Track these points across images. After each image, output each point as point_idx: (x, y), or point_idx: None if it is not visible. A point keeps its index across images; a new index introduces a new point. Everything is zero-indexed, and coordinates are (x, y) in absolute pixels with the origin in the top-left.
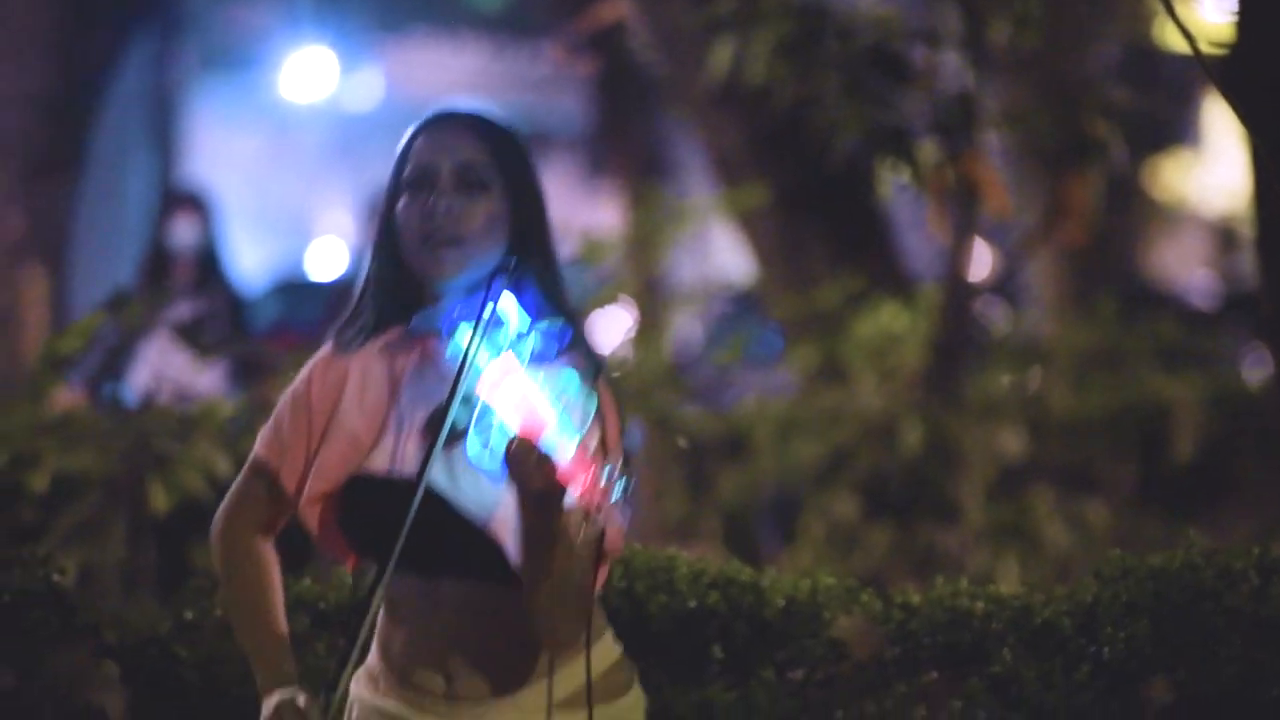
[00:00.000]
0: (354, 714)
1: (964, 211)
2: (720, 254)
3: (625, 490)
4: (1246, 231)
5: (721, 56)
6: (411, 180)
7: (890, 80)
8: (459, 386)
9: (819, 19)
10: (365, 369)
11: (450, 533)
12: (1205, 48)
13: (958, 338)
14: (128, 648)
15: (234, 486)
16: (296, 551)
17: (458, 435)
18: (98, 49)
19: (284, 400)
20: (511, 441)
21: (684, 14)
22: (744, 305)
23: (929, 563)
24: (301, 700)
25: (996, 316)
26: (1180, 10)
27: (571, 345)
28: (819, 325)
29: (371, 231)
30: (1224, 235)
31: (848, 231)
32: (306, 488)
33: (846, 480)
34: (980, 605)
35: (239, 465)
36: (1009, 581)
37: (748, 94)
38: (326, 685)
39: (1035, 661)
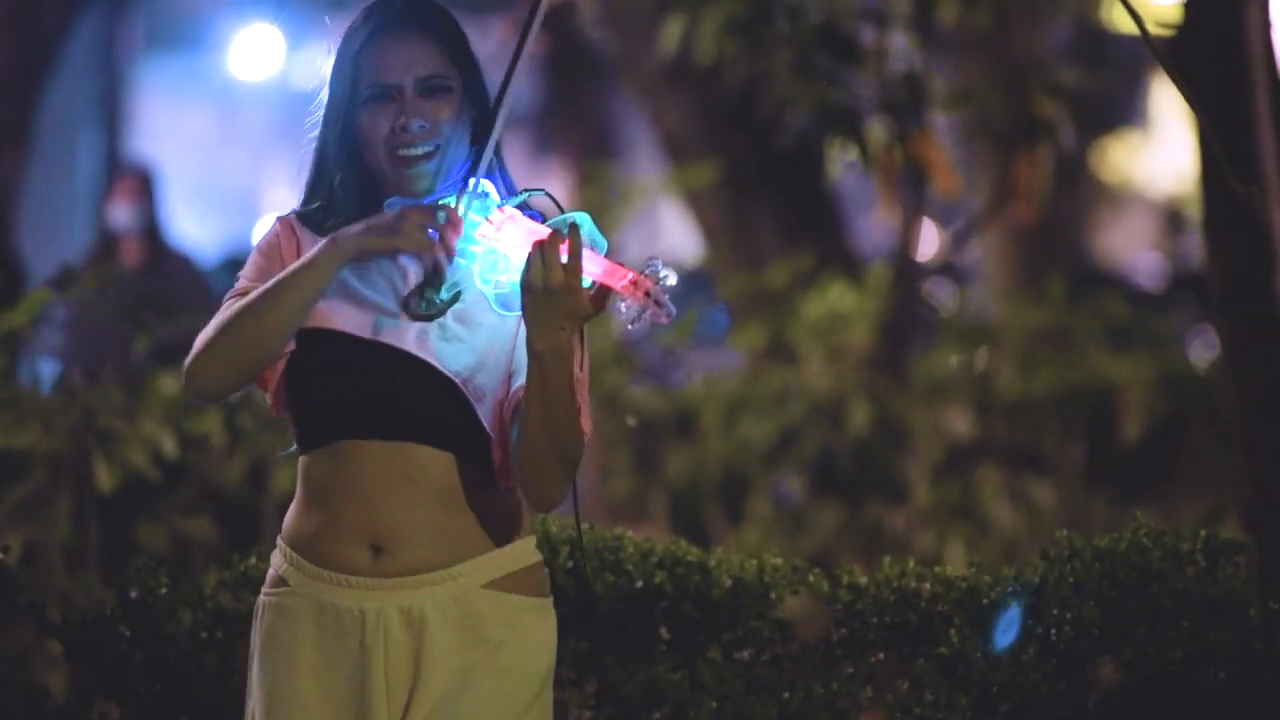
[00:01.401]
0: (263, 618)
1: (913, 191)
2: (668, 233)
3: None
4: (1193, 213)
5: (672, 35)
6: (373, 94)
7: (840, 60)
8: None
9: None
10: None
11: (417, 397)
12: (1153, 28)
13: (906, 318)
14: (72, 626)
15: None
16: (248, 536)
17: (434, 309)
18: (47, 24)
19: (257, 249)
20: (538, 241)
21: None
22: (692, 284)
23: (876, 543)
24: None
25: (944, 296)
26: None
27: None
28: (767, 304)
29: (322, 131)
30: (1170, 216)
31: (796, 211)
32: None
33: (794, 460)
34: (928, 586)
35: (185, 444)
36: (956, 562)
37: (697, 73)
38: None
39: (983, 642)
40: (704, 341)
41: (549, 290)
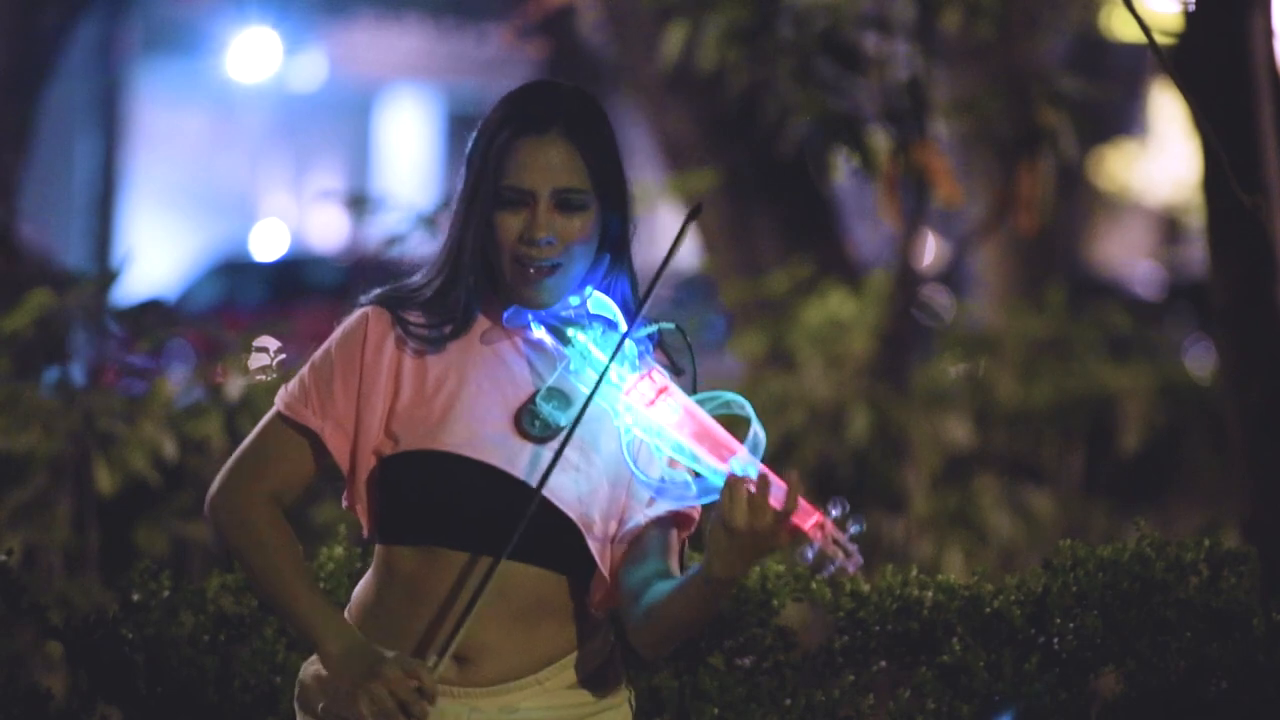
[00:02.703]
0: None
1: (914, 200)
2: (668, 239)
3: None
4: (1190, 222)
5: (674, 41)
6: (507, 196)
7: (842, 67)
8: (593, 392)
9: (771, 5)
10: (443, 358)
11: (519, 517)
12: (1156, 37)
13: (906, 326)
14: (74, 629)
15: (244, 450)
16: None
17: (549, 431)
18: (46, 28)
19: (336, 344)
20: (754, 480)
21: None
22: (690, 290)
23: (874, 551)
24: (403, 662)
25: (943, 305)
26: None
27: (661, 343)
28: (767, 311)
29: (451, 220)
30: (1168, 225)
31: (796, 218)
32: (358, 451)
33: (793, 467)
34: (930, 594)
35: (185, 447)
36: (954, 570)
37: (699, 79)
38: (439, 650)
39: (985, 651)
40: (704, 347)
41: (754, 533)
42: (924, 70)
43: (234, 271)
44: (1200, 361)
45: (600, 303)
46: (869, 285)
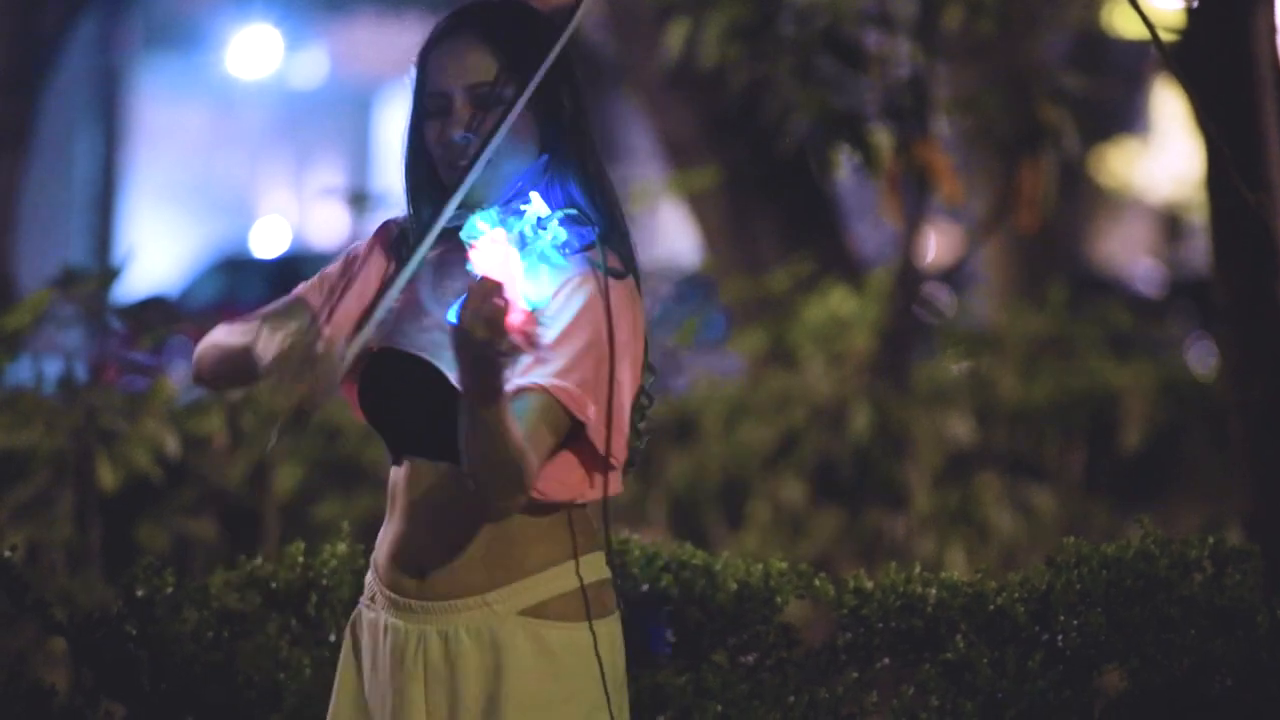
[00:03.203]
0: (358, 628)
1: (915, 197)
2: (668, 237)
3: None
4: (1192, 219)
5: (675, 38)
6: (430, 107)
7: (843, 65)
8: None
9: (772, 2)
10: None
11: (449, 415)
12: (1161, 34)
13: (907, 323)
14: (78, 625)
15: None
16: (249, 536)
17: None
18: (46, 26)
19: (331, 267)
20: (472, 289)
21: None
22: (691, 288)
23: (876, 548)
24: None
25: (943, 302)
26: None
27: (601, 241)
28: (768, 309)
29: (403, 142)
30: (1169, 223)
31: (798, 215)
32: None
33: (794, 465)
34: (933, 592)
35: (187, 444)
36: (956, 568)
37: (700, 77)
38: (348, 337)
39: (989, 649)
40: (705, 345)
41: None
42: (925, 68)
43: (235, 268)
44: (1202, 359)
45: (539, 203)
46: (870, 283)
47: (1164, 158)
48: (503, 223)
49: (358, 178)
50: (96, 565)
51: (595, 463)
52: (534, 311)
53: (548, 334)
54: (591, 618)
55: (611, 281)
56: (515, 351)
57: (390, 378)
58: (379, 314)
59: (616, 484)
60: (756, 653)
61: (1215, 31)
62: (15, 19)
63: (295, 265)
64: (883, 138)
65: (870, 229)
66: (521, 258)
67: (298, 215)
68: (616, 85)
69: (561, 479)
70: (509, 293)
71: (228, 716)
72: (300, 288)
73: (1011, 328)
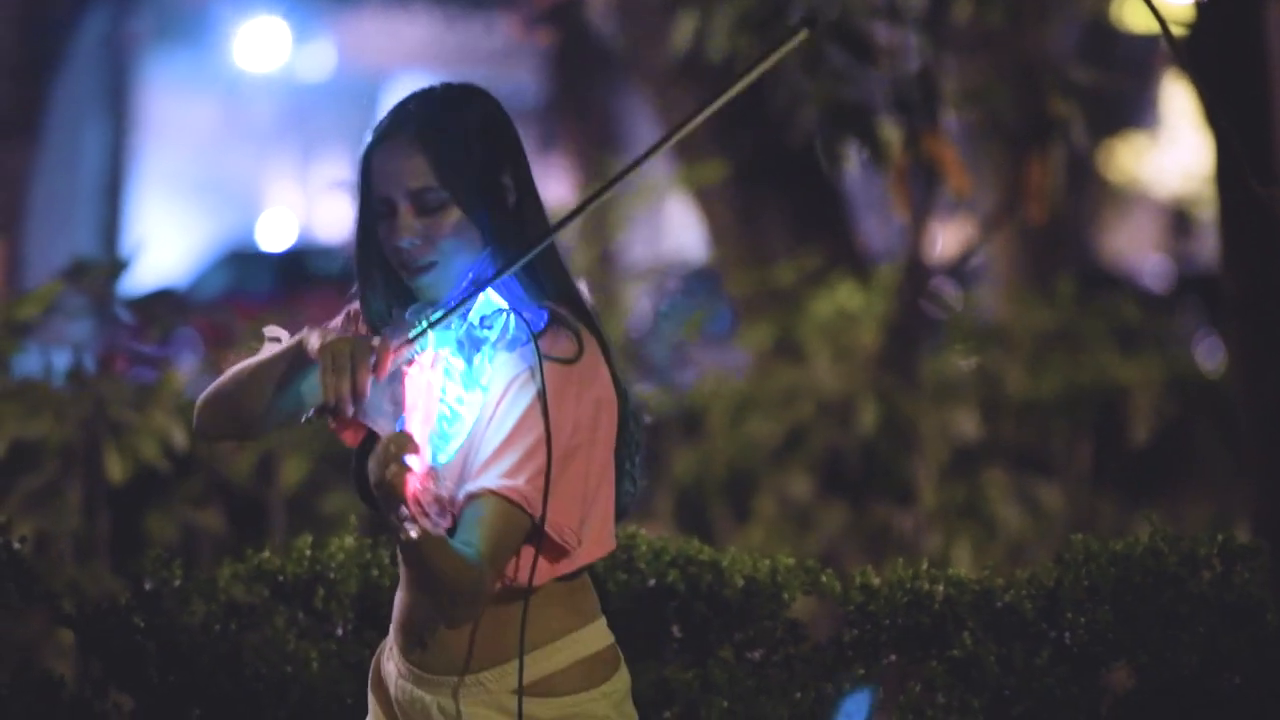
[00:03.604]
0: (381, 663)
1: (923, 190)
2: (675, 230)
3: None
4: (1200, 214)
5: (683, 30)
6: (377, 210)
7: (852, 57)
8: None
9: None
10: None
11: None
12: (1171, 28)
13: (914, 318)
14: (86, 616)
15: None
16: (256, 528)
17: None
18: (55, 18)
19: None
20: (385, 439)
21: None
22: (696, 282)
23: (883, 543)
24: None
25: (950, 296)
26: None
27: (549, 328)
28: (775, 303)
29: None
30: (1177, 217)
31: (805, 209)
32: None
33: (801, 459)
34: (941, 588)
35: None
36: (963, 563)
37: (708, 68)
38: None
39: (996, 645)
40: (711, 340)
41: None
42: (934, 60)
43: (242, 261)
44: (1210, 354)
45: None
46: (877, 277)
47: (1173, 152)
48: (453, 327)
49: None
50: (104, 556)
51: (547, 547)
52: (434, 470)
53: (495, 436)
54: (593, 685)
55: (561, 367)
56: (411, 518)
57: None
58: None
59: (600, 549)
60: (763, 648)
61: (1225, 26)
62: (25, 9)
63: (302, 258)
64: (891, 131)
65: (878, 223)
66: (469, 369)
67: (305, 207)
68: (624, 77)
69: (526, 565)
70: (416, 445)
71: (235, 708)
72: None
73: (1019, 322)
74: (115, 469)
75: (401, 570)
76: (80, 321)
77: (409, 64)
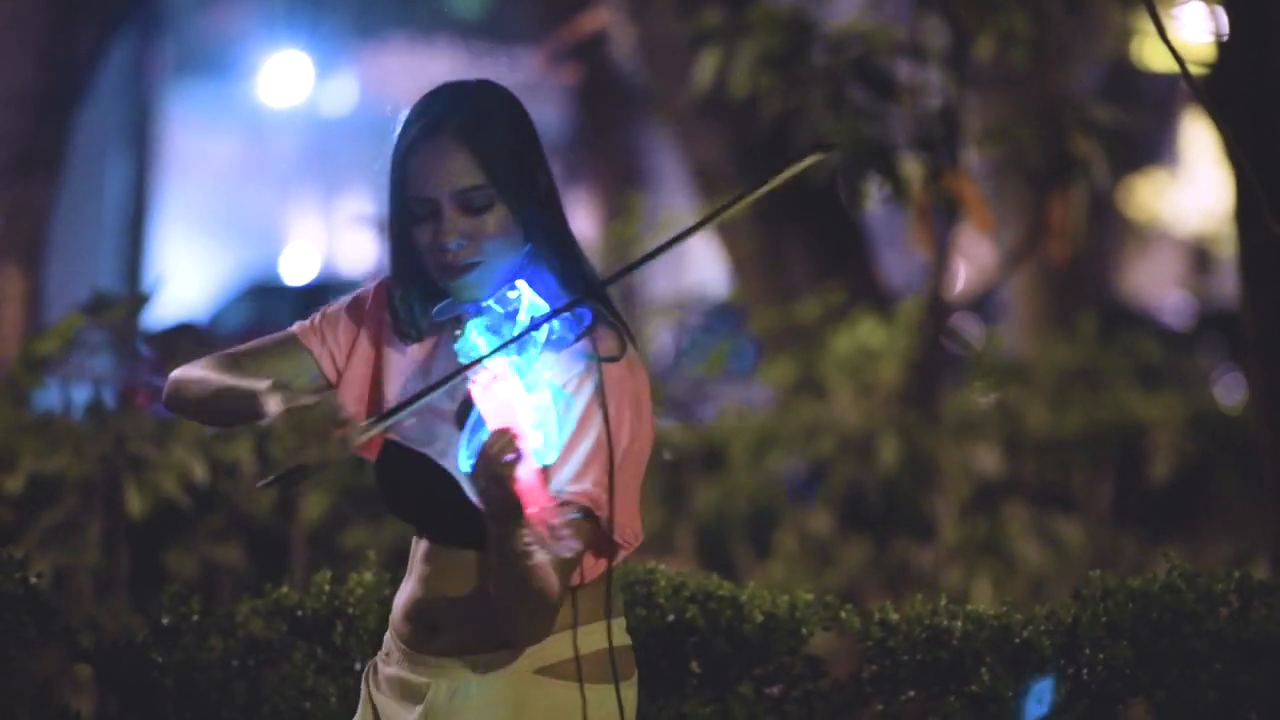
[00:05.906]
0: (371, 684)
1: (945, 227)
2: (696, 266)
3: (579, 517)
4: (1220, 252)
5: (707, 67)
6: (415, 210)
7: (875, 95)
8: (452, 379)
9: (805, 32)
10: (410, 350)
11: (459, 505)
12: (1190, 67)
13: (936, 354)
14: (104, 652)
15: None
16: (276, 564)
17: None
18: (81, 49)
19: (344, 302)
20: (486, 445)
21: (670, 24)
22: (719, 318)
23: (903, 579)
24: (333, 401)
25: (971, 333)
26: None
27: (593, 325)
28: (797, 339)
29: (387, 240)
30: (1198, 255)
31: (827, 245)
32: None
33: (822, 495)
34: (959, 624)
35: (215, 470)
36: (983, 599)
37: (731, 105)
38: (363, 425)
39: (1014, 681)
40: (733, 375)
41: (486, 499)
42: (957, 98)
43: (265, 295)
44: (1230, 392)
45: (527, 293)
46: (899, 313)
47: (1193, 190)
48: (496, 330)
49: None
50: (124, 592)
51: (603, 545)
52: (558, 503)
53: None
54: (616, 680)
55: (609, 366)
56: (540, 544)
57: (402, 468)
58: (395, 419)
59: (637, 540)
60: (782, 684)
61: (1245, 64)
62: (47, 44)
63: (324, 291)
64: (913, 168)
65: (899, 259)
66: (519, 367)
67: (327, 242)
68: (647, 113)
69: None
70: (518, 437)
71: None
72: (296, 326)
73: (1040, 359)
74: (135, 504)
75: (417, 568)
76: (101, 356)
77: None
